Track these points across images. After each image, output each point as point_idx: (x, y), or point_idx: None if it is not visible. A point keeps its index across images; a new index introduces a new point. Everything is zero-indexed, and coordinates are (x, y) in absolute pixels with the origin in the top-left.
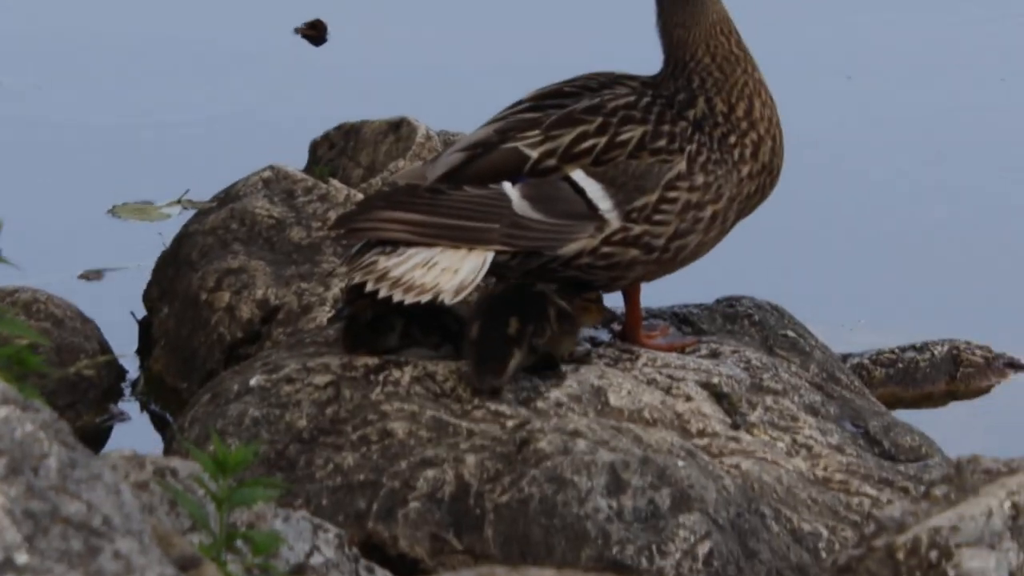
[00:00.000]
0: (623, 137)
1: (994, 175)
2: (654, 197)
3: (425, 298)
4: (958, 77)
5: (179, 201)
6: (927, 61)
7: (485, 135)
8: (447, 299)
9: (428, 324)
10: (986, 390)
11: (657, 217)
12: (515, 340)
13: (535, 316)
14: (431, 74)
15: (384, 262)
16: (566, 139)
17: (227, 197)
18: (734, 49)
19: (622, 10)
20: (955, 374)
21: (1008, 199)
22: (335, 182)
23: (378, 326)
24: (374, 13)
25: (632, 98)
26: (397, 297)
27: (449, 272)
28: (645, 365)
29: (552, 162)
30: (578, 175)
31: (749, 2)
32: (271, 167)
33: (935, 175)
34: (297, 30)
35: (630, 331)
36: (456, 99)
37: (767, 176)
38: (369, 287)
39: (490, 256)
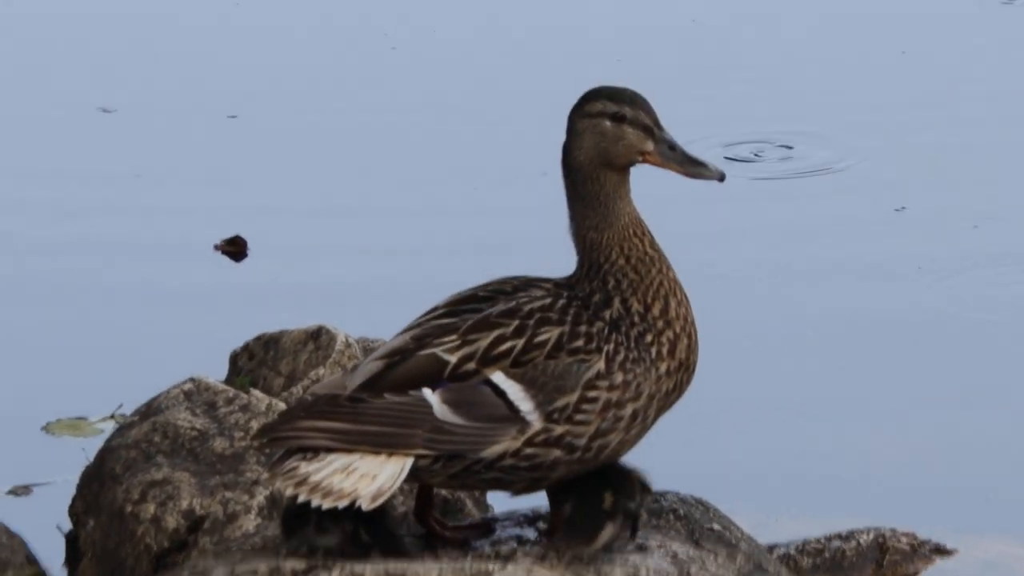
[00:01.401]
0: (541, 338)
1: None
2: (575, 397)
3: (343, 503)
4: None
5: (112, 416)
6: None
7: (402, 342)
8: (364, 504)
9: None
10: None
11: (578, 417)
12: (609, 514)
13: (625, 487)
14: (349, 283)
15: (304, 467)
16: (484, 342)
17: (148, 410)
18: (648, 250)
19: None
20: (882, 562)
21: (927, 370)
22: (256, 392)
23: (323, 524)
24: (292, 228)
25: (548, 300)
26: (315, 502)
27: (367, 478)
28: (573, 560)
29: (471, 366)
30: (498, 377)
31: None
32: (192, 379)
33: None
34: (217, 247)
35: (556, 529)
36: (375, 306)
37: (684, 372)
38: (289, 492)
39: (410, 462)
